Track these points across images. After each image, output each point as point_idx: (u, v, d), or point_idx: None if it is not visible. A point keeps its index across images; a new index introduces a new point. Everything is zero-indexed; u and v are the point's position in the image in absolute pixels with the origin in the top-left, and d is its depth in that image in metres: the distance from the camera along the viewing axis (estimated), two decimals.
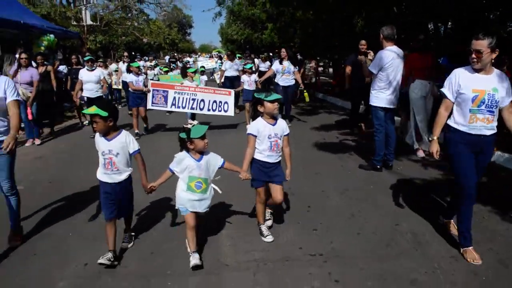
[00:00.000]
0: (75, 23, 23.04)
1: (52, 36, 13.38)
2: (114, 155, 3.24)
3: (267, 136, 3.59)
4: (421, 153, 6.56)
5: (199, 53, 52.67)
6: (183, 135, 3.23)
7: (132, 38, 31.52)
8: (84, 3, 22.37)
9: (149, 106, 8.49)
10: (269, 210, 4.06)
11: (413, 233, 3.81)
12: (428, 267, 3.24)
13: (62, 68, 11.99)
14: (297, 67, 9.43)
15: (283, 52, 9.15)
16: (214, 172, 3.38)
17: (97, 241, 3.63)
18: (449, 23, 12.24)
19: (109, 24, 28.06)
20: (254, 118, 3.43)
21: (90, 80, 8.49)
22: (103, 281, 3.12)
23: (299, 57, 16.17)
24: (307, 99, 9.61)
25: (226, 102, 8.93)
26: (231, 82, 11.15)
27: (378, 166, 5.78)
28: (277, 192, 3.68)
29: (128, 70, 9.28)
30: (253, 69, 10.00)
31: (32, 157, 6.92)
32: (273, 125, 3.63)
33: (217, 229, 3.97)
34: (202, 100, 8.73)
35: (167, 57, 34.79)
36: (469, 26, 9.55)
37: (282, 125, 3.70)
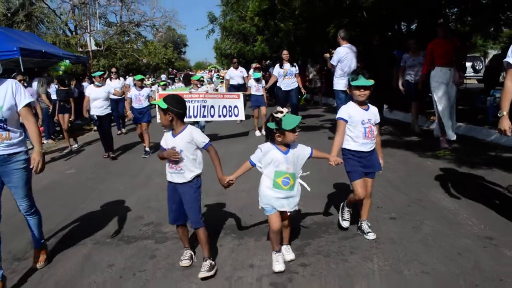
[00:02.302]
0: (80, 49, 25.13)
1: (67, 61, 15.27)
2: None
3: (360, 122, 3.32)
4: (444, 144, 6.41)
5: (194, 71, 54.18)
6: (272, 125, 2.88)
7: (132, 60, 33.61)
8: (88, 31, 24.56)
9: (158, 119, 8.27)
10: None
11: None
12: None
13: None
14: (297, 69, 9.09)
15: (285, 54, 8.79)
16: (301, 165, 3.08)
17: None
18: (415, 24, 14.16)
19: (109, 48, 30.17)
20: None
21: (98, 97, 7.76)
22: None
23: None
24: (301, 102, 10.10)
25: (236, 106, 8.72)
26: (237, 91, 10.85)
27: None
28: (368, 184, 3.44)
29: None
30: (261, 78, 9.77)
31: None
32: (366, 110, 3.37)
33: None
34: (212, 107, 8.42)
35: (163, 76, 36.17)
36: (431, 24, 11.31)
37: (375, 111, 3.42)
